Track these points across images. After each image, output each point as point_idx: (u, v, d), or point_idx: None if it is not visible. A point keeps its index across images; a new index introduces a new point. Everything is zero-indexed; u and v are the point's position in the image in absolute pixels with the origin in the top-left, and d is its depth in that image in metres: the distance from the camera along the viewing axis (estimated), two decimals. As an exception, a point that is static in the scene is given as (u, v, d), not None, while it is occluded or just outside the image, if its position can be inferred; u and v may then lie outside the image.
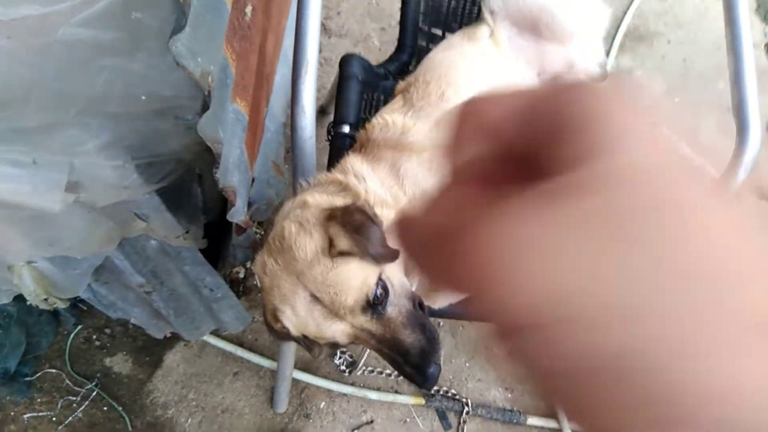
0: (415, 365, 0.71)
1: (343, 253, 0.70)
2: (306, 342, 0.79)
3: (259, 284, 1.58)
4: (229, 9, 0.80)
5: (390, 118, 0.93)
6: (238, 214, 0.92)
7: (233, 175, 0.87)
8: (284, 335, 0.77)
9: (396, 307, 0.74)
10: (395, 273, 0.78)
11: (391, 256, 0.71)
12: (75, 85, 0.74)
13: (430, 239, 0.19)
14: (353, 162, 0.89)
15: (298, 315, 0.72)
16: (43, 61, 0.73)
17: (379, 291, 0.72)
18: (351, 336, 0.73)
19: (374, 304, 0.71)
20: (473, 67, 1.03)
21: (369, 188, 0.86)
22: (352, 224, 0.71)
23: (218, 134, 0.74)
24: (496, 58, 1.06)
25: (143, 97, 0.82)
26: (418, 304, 0.78)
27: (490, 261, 0.16)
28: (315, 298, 0.71)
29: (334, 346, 0.79)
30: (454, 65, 1.01)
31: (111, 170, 0.96)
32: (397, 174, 0.88)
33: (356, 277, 0.71)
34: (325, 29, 1.84)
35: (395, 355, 0.72)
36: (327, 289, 0.70)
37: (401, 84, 1.06)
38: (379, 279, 0.72)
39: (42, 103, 0.77)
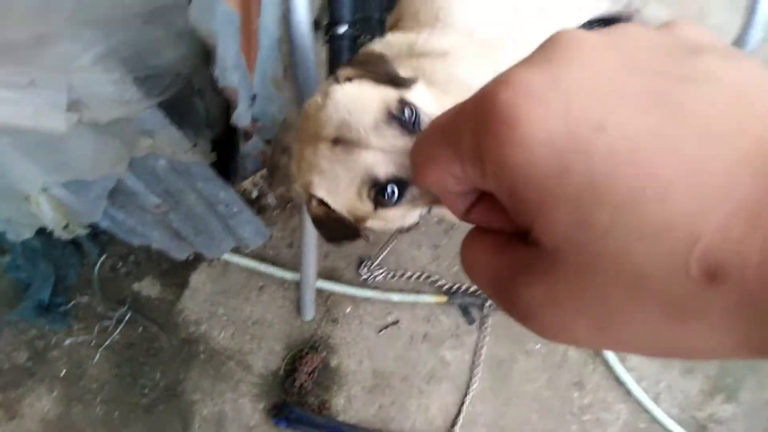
0: None
1: (351, 79, 0.64)
2: (347, 221, 0.69)
3: (272, 202, 1.60)
4: None
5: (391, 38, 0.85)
6: (241, 118, 0.91)
7: (232, 74, 0.85)
8: (324, 217, 0.68)
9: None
10: (422, 99, 0.67)
11: (407, 81, 0.65)
12: (57, -12, 0.72)
13: None
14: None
15: (323, 172, 0.64)
16: (20, -35, 0.70)
17: (405, 109, 0.63)
18: (387, 164, 0.62)
19: (399, 118, 0.62)
20: None
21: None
22: (357, 61, 0.67)
23: (210, 24, 0.72)
24: None
25: (129, -1, 0.80)
26: None
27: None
28: (335, 141, 0.63)
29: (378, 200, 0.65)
30: None
31: (109, 85, 0.95)
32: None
33: (371, 96, 0.63)
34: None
35: None
36: (341, 115, 0.62)
37: (389, 20, 0.99)
38: (401, 99, 0.64)
39: (26, 12, 0.75)
